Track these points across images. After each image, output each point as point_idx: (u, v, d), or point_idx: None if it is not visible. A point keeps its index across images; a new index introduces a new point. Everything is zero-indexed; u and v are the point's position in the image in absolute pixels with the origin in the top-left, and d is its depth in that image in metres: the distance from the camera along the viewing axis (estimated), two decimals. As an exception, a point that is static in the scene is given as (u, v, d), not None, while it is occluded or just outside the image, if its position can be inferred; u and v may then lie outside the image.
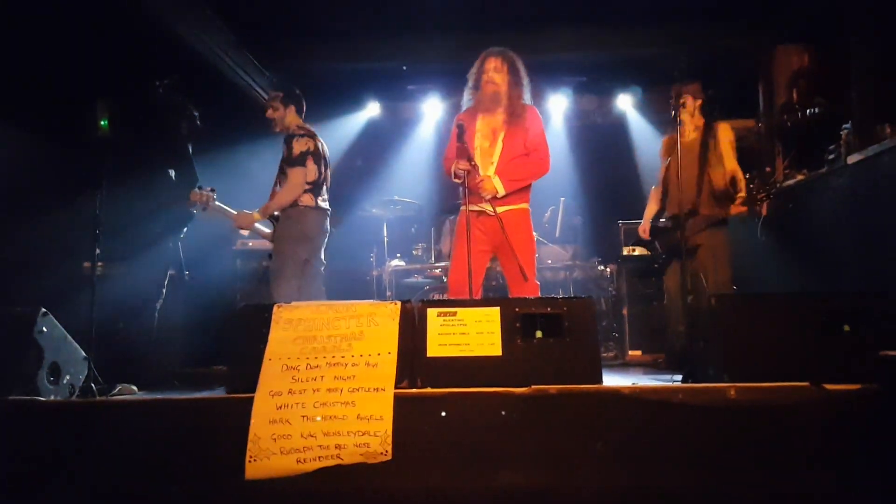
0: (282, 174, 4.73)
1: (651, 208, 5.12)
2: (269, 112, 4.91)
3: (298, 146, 4.71)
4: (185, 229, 4.84)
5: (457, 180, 4.19)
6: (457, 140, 4.10)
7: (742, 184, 4.62)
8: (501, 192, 4.15)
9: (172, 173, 4.86)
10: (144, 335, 4.53)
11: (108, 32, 5.02)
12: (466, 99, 4.39)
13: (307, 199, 4.72)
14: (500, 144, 4.22)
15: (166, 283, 4.78)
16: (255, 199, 4.92)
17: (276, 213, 4.76)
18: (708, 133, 4.78)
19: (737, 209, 4.60)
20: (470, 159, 4.07)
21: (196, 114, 4.97)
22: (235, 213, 4.77)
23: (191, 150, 4.94)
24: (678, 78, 4.58)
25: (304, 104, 5.01)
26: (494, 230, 4.13)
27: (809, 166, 5.98)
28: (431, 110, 8.35)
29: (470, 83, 4.35)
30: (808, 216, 5.68)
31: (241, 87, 7.12)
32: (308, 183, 4.69)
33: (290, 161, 4.68)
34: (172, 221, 4.83)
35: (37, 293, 3.80)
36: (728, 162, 4.69)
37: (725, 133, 4.77)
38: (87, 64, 4.78)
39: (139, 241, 4.65)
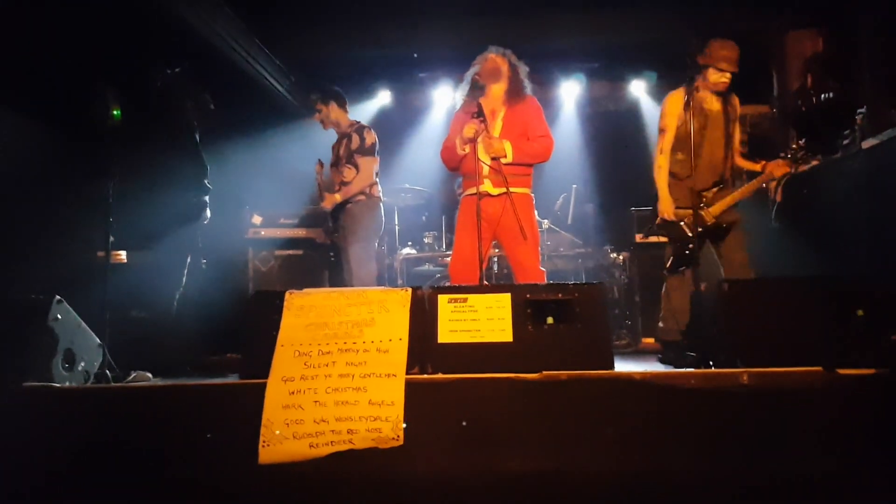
0: (349, 163, 5.02)
1: (667, 182, 4.45)
2: (316, 116, 5.21)
3: (370, 137, 5.09)
4: (203, 217, 4.85)
5: (463, 150, 4.17)
6: (472, 117, 4.07)
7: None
8: (510, 156, 4.14)
9: (180, 161, 4.88)
10: (160, 323, 4.56)
11: (116, 20, 5.03)
12: (465, 87, 4.35)
13: (377, 190, 5.14)
14: (499, 123, 4.25)
15: (186, 271, 4.82)
16: (265, 186, 4.99)
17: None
18: (727, 102, 4.47)
19: (780, 168, 4.28)
20: (482, 117, 4.03)
21: (208, 97, 4.98)
22: (327, 194, 5.15)
23: (198, 137, 4.96)
24: (690, 64, 4.47)
25: (346, 98, 5.29)
26: (496, 215, 4.13)
27: (824, 152, 5.93)
28: (442, 98, 8.31)
29: (466, 80, 4.34)
30: (822, 201, 5.63)
31: (251, 76, 7.12)
32: (376, 174, 5.07)
33: (364, 150, 5.03)
34: (186, 209, 4.85)
35: (51, 281, 3.83)
36: (737, 140, 4.47)
37: (738, 105, 4.53)
38: (96, 52, 4.80)
39: (152, 229, 4.67)
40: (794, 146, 4.30)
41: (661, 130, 4.50)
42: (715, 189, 4.35)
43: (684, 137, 4.30)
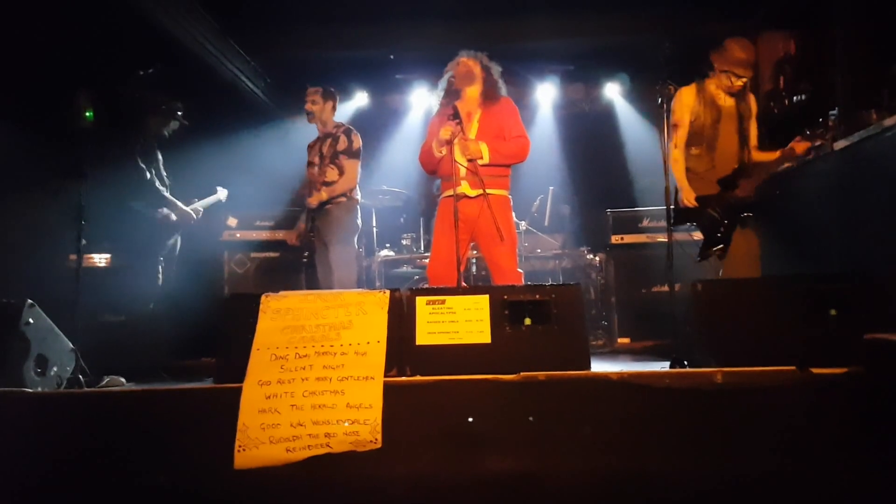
0: (332, 164, 5.06)
1: (685, 174, 4.43)
2: (309, 105, 5.17)
3: (357, 141, 5.14)
4: (161, 225, 4.84)
5: (440, 152, 4.17)
6: (448, 119, 4.07)
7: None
8: (486, 158, 4.16)
9: (125, 169, 4.85)
10: (134, 327, 4.51)
11: (89, 22, 4.97)
12: (435, 101, 4.44)
13: (357, 193, 5.19)
14: (475, 124, 4.27)
15: (159, 276, 4.78)
16: (242, 187, 4.97)
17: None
18: (742, 98, 4.41)
19: (801, 145, 4.25)
20: (458, 119, 4.03)
21: (177, 106, 4.95)
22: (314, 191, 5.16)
23: (154, 145, 4.93)
24: (663, 65, 4.49)
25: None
26: (473, 216, 4.13)
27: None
28: (419, 100, 8.31)
29: (440, 84, 4.39)
30: (795, 202, 5.69)
31: (226, 76, 7.06)
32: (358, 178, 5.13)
33: (351, 153, 5.09)
34: (134, 216, 4.83)
35: (23, 285, 3.77)
36: (753, 137, 4.45)
37: (755, 105, 4.49)
38: (71, 54, 4.74)
39: (114, 234, 4.65)
40: (820, 127, 4.31)
41: (674, 125, 4.44)
42: (738, 178, 4.34)
43: (698, 131, 4.39)
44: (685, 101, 4.44)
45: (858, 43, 5.36)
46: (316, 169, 5.14)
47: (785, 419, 2.65)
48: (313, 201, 5.01)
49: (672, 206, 4.05)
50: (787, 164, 4.44)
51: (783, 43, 6.41)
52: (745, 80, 4.34)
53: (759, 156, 4.49)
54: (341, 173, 5.08)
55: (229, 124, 7.32)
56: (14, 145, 4.61)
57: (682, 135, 4.46)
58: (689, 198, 4.39)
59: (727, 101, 4.43)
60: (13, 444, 2.74)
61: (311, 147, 5.33)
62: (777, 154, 4.40)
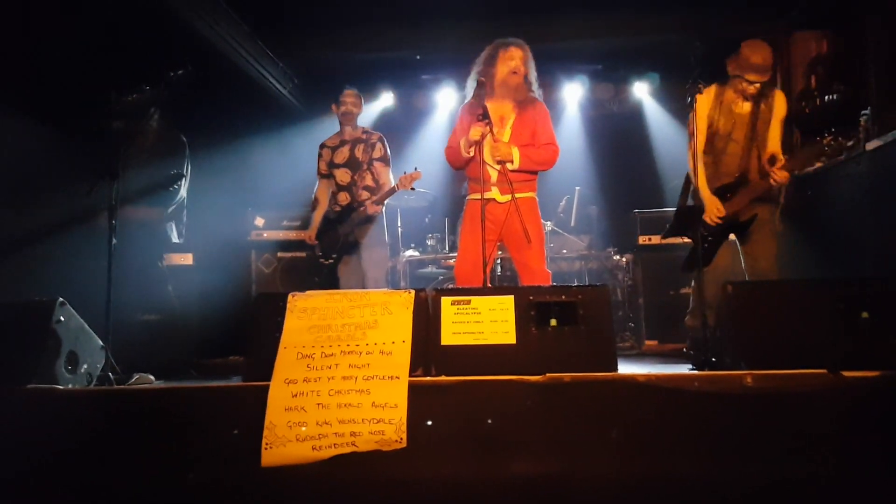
0: (369, 171, 5.21)
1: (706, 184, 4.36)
2: (351, 107, 5.26)
3: (388, 149, 5.29)
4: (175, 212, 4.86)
5: (469, 153, 4.14)
6: (477, 119, 3.97)
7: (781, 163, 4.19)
8: (517, 162, 4.12)
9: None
10: (163, 326, 4.56)
11: (121, 23, 5.03)
12: (470, 86, 4.30)
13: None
14: (508, 130, 4.22)
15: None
16: (267, 188, 5.00)
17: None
18: (761, 100, 4.28)
19: (782, 177, 4.09)
20: (487, 119, 3.94)
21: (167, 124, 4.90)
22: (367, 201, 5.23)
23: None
24: (694, 65, 4.43)
25: None
26: (501, 218, 4.12)
27: (828, 154, 5.90)
28: (445, 100, 8.30)
29: (479, 67, 4.29)
30: (826, 204, 5.61)
31: (254, 78, 7.12)
32: None
33: (386, 161, 5.27)
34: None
35: (55, 284, 3.83)
36: (773, 140, 4.31)
37: (782, 105, 4.34)
38: (101, 54, 4.80)
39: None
40: (825, 140, 4.11)
41: (692, 135, 4.31)
42: (735, 188, 4.28)
43: (710, 139, 4.35)
44: (702, 108, 4.32)
45: (891, 42, 5.28)
46: (343, 171, 5.17)
47: (816, 423, 2.60)
48: (372, 208, 5.08)
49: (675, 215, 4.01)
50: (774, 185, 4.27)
51: (815, 43, 6.33)
52: (758, 84, 4.22)
53: (766, 166, 4.29)
54: (375, 179, 5.20)
55: (256, 124, 7.39)
56: (47, 145, 4.68)
57: (700, 143, 4.36)
58: (714, 212, 4.25)
59: (744, 108, 4.33)
60: (44, 440, 2.78)
61: (332, 148, 5.34)
62: (770, 170, 4.21)
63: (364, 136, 5.28)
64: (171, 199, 4.71)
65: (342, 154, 5.25)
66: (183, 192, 4.81)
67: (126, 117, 4.21)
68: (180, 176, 4.76)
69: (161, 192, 4.67)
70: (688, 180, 4.54)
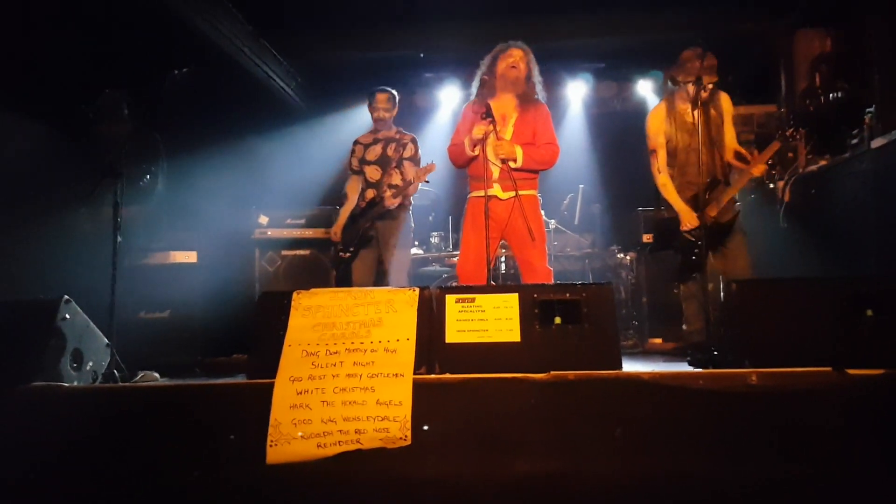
0: (398, 169, 5.20)
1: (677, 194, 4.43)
2: (384, 113, 5.28)
3: (419, 150, 5.29)
4: None
5: (473, 151, 4.15)
6: (481, 118, 4.04)
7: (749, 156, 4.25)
8: (520, 160, 4.14)
9: None
10: (168, 324, 4.58)
11: (124, 23, 5.04)
12: (476, 86, 4.38)
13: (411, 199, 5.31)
14: (510, 129, 4.24)
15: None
16: (271, 186, 5.00)
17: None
18: (709, 105, 4.34)
19: (759, 169, 4.17)
20: (491, 118, 3.99)
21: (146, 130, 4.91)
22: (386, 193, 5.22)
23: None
24: (670, 80, 4.44)
25: None
26: (503, 216, 4.13)
27: (832, 152, 5.90)
28: (448, 98, 8.31)
29: (483, 69, 4.35)
30: (831, 202, 5.60)
31: (258, 77, 7.13)
32: None
33: (416, 161, 5.24)
34: None
35: (61, 283, 3.83)
36: (730, 138, 4.39)
37: (728, 104, 4.43)
38: (104, 54, 4.81)
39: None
40: (787, 133, 4.16)
41: (652, 151, 4.50)
42: (708, 191, 4.27)
43: (671, 153, 4.43)
44: (656, 124, 4.48)
45: (894, 40, 5.27)
46: (373, 168, 5.21)
47: (821, 421, 2.60)
48: (390, 201, 5.04)
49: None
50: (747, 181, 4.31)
51: (819, 41, 6.32)
52: (710, 86, 4.28)
53: (734, 162, 4.40)
54: (403, 178, 5.19)
55: (259, 123, 7.39)
56: (51, 145, 4.69)
57: (662, 156, 4.48)
58: (690, 220, 4.31)
59: (695, 116, 4.23)
60: (49, 438, 2.79)
61: (365, 145, 5.35)
62: (746, 166, 4.26)
63: (397, 136, 5.29)
64: (145, 197, 4.72)
65: (374, 151, 5.26)
66: (159, 187, 4.82)
67: (100, 117, 4.19)
68: (152, 172, 4.76)
69: (134, 189, 4.66)
70: (658, 193, 4.59)
